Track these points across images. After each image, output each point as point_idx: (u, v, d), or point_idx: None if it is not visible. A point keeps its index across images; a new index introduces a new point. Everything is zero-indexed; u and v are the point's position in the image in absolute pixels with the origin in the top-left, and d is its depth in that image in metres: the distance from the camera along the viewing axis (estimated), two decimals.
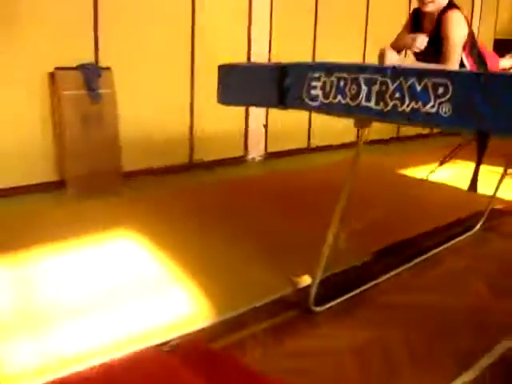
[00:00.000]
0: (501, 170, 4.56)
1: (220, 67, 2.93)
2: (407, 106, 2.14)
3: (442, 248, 4.08)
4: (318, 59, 7.48)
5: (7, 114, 5.03)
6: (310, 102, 2.41)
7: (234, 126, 6.59)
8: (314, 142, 7.72)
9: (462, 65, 2.86)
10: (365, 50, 8.20)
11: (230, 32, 6.56)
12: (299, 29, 7.35)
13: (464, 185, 3.87)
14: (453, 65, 2.78)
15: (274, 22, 6.97)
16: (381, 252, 3.85)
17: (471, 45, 2.92)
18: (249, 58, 6.71)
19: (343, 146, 7.61)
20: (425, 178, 3.40)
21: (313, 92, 2.40)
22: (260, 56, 6.75)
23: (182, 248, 3.81)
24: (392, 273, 3.57)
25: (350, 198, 2.82)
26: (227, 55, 6.21)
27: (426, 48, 2.88)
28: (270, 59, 6.88)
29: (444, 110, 2.05)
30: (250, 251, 3.80)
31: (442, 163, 3.47)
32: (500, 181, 4.53)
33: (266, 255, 3.71)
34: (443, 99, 2.05)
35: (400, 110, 2.16)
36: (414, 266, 3.75)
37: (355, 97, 2.27)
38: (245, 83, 2.77)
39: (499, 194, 4.68)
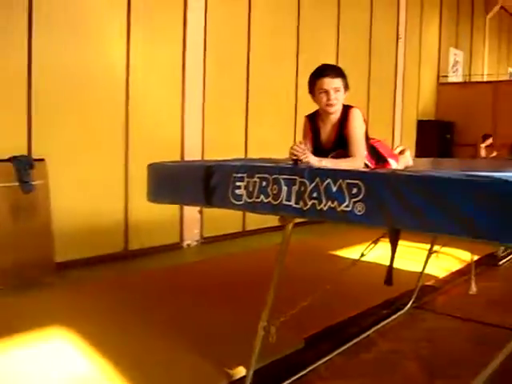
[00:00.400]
0: (426, 246, 4.76)
1: (149, 166, 3.03)
2: (324, 205, 2.28)
3: (373, 330, 4.17)
4: (251, 137, 7.79)
5: None
6: (235, 202, 2.53)
7: (169, 212, 6.66)
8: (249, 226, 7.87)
9: None
10: (295, 128, 8.52)
11: (164, 118, 6.77)
12: (231, 108, 7.66)
13: (396, 264, 3.99)
14: (361, 158, 2.96)
15: (206, 104, 7.26)
16: (313, 338, 3.90)
17: (366, 138, 3.15)
18: (182, 146, 6.91)
19: (279, 227, 7.74)
20: (356, 259, 3.52)
21: (237, 191, 2.52)
22: (192, 138, 7.00)
23: (114, 342, 3.75)
24: (325, 359, 3.62)
25: (282, 283, 2.89)
26: (161, 142, 6.47)
27: (333, 144, 3.05)
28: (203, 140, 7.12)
29: (358, 208, 2.19)
30: (183, 342, 3.77)
31: (374, 242, 3.60)
32: (428, 257, 4.72)
33: (200, 346, 3.69)
34: (357, 199, 2.19)
35: (318, 208, 2.30)
36: (346, 350, 3.82)
37: (277, 196, 2.40)
38: (173, 182, 2.87)
39: (428, 271, 4.87)
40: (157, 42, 6.67)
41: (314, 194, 2.30)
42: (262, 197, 2.46)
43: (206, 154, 7.11)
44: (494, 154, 10.76)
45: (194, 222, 7.12)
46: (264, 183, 2.44)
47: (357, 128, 3.00)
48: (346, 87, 3.07)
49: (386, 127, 11.48)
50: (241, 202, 2.52)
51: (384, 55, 11.18)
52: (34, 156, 5.47)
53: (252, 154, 7.35)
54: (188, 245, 7.12)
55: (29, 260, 5.27)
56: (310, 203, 2.32)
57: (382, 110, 11.06)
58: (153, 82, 6.63)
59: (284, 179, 2.38)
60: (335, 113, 3.05)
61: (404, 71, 11.95)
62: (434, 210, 2.01)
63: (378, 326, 4.27)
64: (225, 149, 6.91)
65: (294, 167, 2.49)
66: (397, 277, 3.64)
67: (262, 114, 8.08)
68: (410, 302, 4.72)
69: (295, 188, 2.36)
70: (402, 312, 4.60)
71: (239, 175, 2.51)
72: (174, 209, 6.80)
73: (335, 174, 2.29)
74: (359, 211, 2.19)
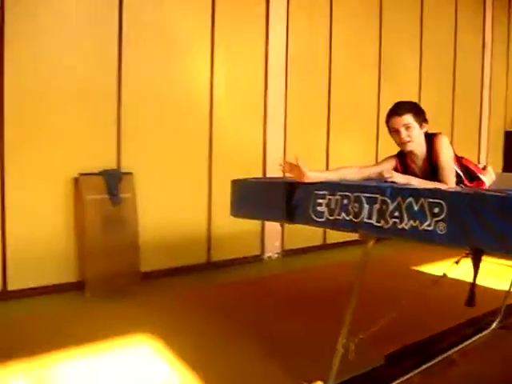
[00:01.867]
0: None
1: (233, 182, 3.12)
2: (406, 224, 2.28)
3: (455, 350, 4.07)
4: (332, 153, 7.79)
5: (32, 216, 5.30)
6: (316, 219, 2.57)
7: (251, 225, 6.76)
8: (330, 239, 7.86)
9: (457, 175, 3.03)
10: (377, 144, 8.46)
11: (247, 134, 6.91)
12: (313, 122, 7.71)
13: (480, 281, 3.89)
14: (452, 184, 2.92)
15: (288, 120, 7.34)
16: (394, 355, 3.86)
17: (457, 159, 3.11)
18: (264, 161, 7.02)
19: (361, 241, 7.68)
20: (438, 277, 3.46)
21: (318, 209, 2.56)
22: (275, 153, 7.09)
23: (195, 351, 3.87)
24: (405, 377, 3.57)
25: (362, 299, 2.90)
26: (244, 158, 6.59)
27: (429, 177, 3.02)
28: (285, 154, 7.21)
29: (440, 228, 2.18)
30: (261, 354, 3.84)
31: (456, 263, 3.53)
32: None
33: (279, 359, 3.74)
34: (438, 218, 2.19)
35: (399, 227, 2.31)
36: (427, 369, 3.75)
37: (358, 214, 2.43)
38: (255, 198, 2.95)
39: None
40: (239, 59, 6.81)
41: (396, 213, 2.31)
42: (343, 214, 2.49)
43: None
44: None
45: (275, 234, 7.19)
46: (345, 201, 2.47)
47: (444, 155, 2.96)
48: (422, 121, 3.06)
49: (472, 139, 11.16)
50: (322, 219, 2.56)
51: (469, 64, 10.89)
52: (123, 170, 5.72)
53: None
54: (269, 257, 7.21)
55: (116, 270, 5.51)
56: (391, 222, 2.33)
57: (467, 121, 10.77)
58: (236, 98, 6.77)
59: (365, 197, 2.40)
60: (415, 149, 3.04)
61: (491, 80, 11.58)
62: None
63: (461, 345, 4.16)
64: (307, 163, 6.94)
65: (376, 185, 2.51)
66: (481, 295, 3.56)
67: (344, 129, 8.07)
68: (496, 322, 4.57)
69: (376, 206, 2.38)
70: (486, 332, 4.46)
71: (321, 192, 2.56)
72: (255, 221, 6.90)
73: (417, 192, 2.29)
74: (441, 231, 2.18)
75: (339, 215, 2.51)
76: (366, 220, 2.40)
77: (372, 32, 8.54)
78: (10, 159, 5.16)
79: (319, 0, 7.71)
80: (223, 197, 6.40)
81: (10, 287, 5.26)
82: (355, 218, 2.44)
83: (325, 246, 7.85)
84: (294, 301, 5.20)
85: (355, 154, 7.95)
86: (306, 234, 7.38)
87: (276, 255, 7.29)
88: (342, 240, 7.80)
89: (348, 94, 8.14)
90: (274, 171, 6.79)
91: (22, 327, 4.48)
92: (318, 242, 7.80)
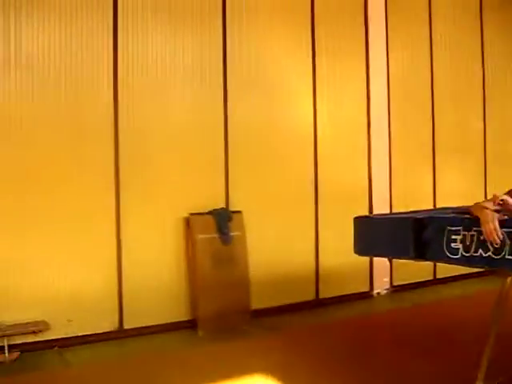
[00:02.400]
0: None
1: (356, 219, 3.06)
2: None
3: None
4: (439, 186, 7.54)
5: (145, 255, 5.45)
6: (451, 256, 2.45)
7: (359, 261, 6.61)
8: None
9: None
10: (485, 170, 8.13)
11: (352, 170, 6.84)
12: (418, 155, 7.52)
13: None
14: None
15: (393, 156, 7.19)
16: None
17: None
18: (370, 197, 6.92)
19: (471, 275, 7.36)
20: None
21: (453, 245, 2.45)
22: (380, 187, 6.97)
23: None
24: None
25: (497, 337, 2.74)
26: (349, 194, 6.52)
27: None
28: (391, 188, 7.06)
29: None
30: None
31: None
32: None
33: None
34: None
35: None
36: None
37: (499, 251, 2.29)
38: (381, 235, 2.87)
39: None
40: (341, 97, 6.78)
41: None
42: (480, 251, 2.36)
43: (394, 205, 7.02)
44: None
45: (384, 270, 7.00)
46: (483, 237, 2.34)
47: None
48: None
49: None
50: (457, 256, 2.44)
51: None
52: (232, 208, 5.79)
53: (442, 200, 7.13)
54: (378, 293, 7.02)
55: (227, 308, 5.53)
56: None
57: None
58: (339, 135, 6.74)
59: (508, 233, 2.26)
60: None
61: None
62: None
63: None
64: (413, 199, 6.84)
65: None
66: None
67: (450, 162, 7.79)
68: None
69: None
70: None
71: (454, 228, 2.44)
72: (363, 257, 6.76)
73: None
74: None
75: (476, 252, 2.38)
76: (508, 256, 2.26)
77: (475, 65, 8.24)
78: (124, 198, 5.37)
79: (419, 33, 7.57)
80: (330, 233, 6.45)
81: (126, 326, 5.41)
82: (495, 255, 2.30)
83: (435, 281, 7.54)
84: (409, 339, 4.99)
85: (461, 187, 7.64)
86: (415, 269, 7.13)
87: (385, 291, 7.09)
88: (453, 274, 7.49)
89: (452, 126, 7.88)
90: (380, 207, 6.71)
91: (138, 366, 4.57)
92: (428, 276, 7.51)
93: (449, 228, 2.47)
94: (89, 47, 5.25)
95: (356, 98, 6.95)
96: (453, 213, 2.77)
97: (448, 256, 2.47)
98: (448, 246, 2.47)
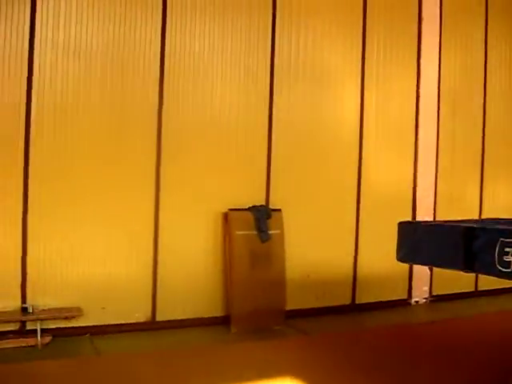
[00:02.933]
0: None
1: (400, 224, 2.94)
2: None
3: None
4: (486, 193, 7.31)
5: (182, 249, 5.43)
6: (502, 269, 2.32)
7: (399, 268, 6.45)
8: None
9: None
10: None
11: (396, 171, 6.68)
12: (466, 168, 7.29)
13: None
14: None
15: (440, 161, 6.99)
16: None
17: None
18: (414, 201, 6.74)
19: None
20: None
21: (505, 258, 2.31)
22: (425, 194, 6.77)
23: None
24: None
25: None
26: (393, 197, 6.37)
27: None
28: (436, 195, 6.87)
29: None
30: None
31: None
32: None
33: None
34: None
35: None
36: None
37: None
38: (427, 243, 2.74)
39: None
40: (390, 96, 6.64)
41: None
42: None
43: (438, 211, 6.82)
44: None
45: (424, 278, 6.81)
46: None
47: None
48: None
49: None
50: (509, 270, 2.30)
51: None
52: (271, 206, 5.71)
53: (487, 212, 6.90)
54: (416, 302, 6.83)
55: (262, 307, 5.45)
56: None
57: None
58: (385, 136, 6.59)
59: None
60: None
61: None
62: None
63: None
64: (458, 208, 6.69)
65: None
66: None
67: (499, 173, 7.52)
68: None
69: None
70: None
71: (508, 240, 2.30)
72: (403, 264, 6.60)
73: None
74: None
75: None
76: None
77: None
78: (164, 191, 5.36)
79: (473, 34, 7.32)
80: (370, 237, 6.29)
81: (158, 318, 5.39)
82: None
83: (477, 293, 7.30)
84: (447, 352, 4.80)
85: (511, 201, 7.39)
86: (456, 279, 6.93)
87: (423, 300, 6.90)
88: (496, 287, 7.24)
89: (504, 131, 7.62)
90: (424, 213, 6.53)
91: (169, 359, 4.52)
92: (470, 288, 7.28)
93: (502, 239, 2.33)
94: (136, 42, 5.29)
95: (404, 100, 6.78)
96: (506, 224, 2.63)
97: (499, 269, 2.33)
98: (500, 258, 2.33)
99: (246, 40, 5.77)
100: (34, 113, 4.90)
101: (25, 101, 4.88)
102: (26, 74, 4.88)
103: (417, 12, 6.77)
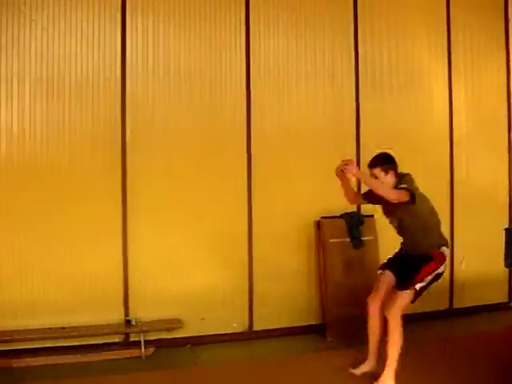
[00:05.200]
0: None
1: (507, 230, 2.83)
2: None
3: None
4: None
5: (274, 258, 5.46)
6: None
7: (497, 269, 6.25)
8: None
9: None
10: None
11: (489, 174, 6.45)
12: None
13: None
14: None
15: None
16: None
17: None
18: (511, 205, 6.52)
19: None
20: None
21: None
22: None
23: None
24: None
25: None
26: (487, 199, 6.16)
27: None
28: None
29: None
30: None
31: None
32: None
33: None
34: None
35: None
36: None
37: None
38: None
39: None
40: (479, 95, 6.42)
41: None
42: None
43: None
44: None
45: None
46: None
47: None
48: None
49: None
50: None
51: None
52: (364, 212, 5.64)
53: None
54: None
55: (357, 314, 5.36)
56: None
57: None
58: (477, 135, 6.37)
59: None
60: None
61: None
62: None
63: None
64: None
65: None
66: None
67: None
68: None
69: None
70: None
71: None
72: (501, 266, 6.38)
73: None
74: None
75: None
76: None
77: None
78: (255, 200, 5.44)
79: None
80: (466, 240, 6.09)
81: (256, 327, 5.46)
82: None
83: None
84: None
85: None
86: None
87: None
88: None
89: None
90: None
91: (267, 368, 4.59)
92: None
93: None
94: (223, 59, 5.40)
95: (495, 99, 6.53)
96: None
97: None
98: None
99: (330, 45, 5.75)
100: (129, 133, 5.08)
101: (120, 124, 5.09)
102: (119, 100, 5.09)
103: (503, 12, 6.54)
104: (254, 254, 5.41)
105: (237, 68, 5.41)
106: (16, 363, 4.60)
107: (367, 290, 5.47)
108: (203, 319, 5.23)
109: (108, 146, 5.04)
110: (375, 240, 5.59)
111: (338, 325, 5.39)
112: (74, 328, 4.86)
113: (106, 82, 5.04)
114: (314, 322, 5.61)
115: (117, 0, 5.05)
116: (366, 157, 5.68)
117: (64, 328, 4.84)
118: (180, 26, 5.25)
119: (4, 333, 4.69)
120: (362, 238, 5.49)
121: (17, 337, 4.70)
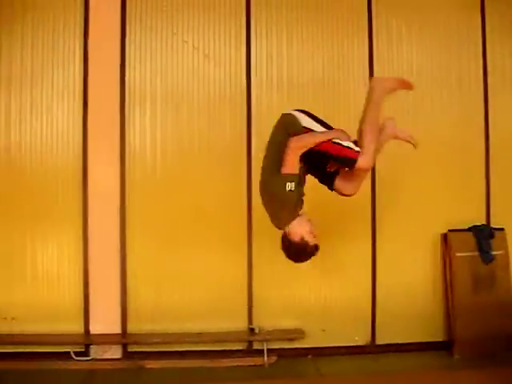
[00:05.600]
0: None
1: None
2: None
3: None
4: None
5: (400, 272, 5.34)
6: None
7: None
8: None
9: None
10: None
11: None
12: None
13: None
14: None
15: None
16: None
17: None
18: None
19: None
20: None
21: None
22: None
23: None
24: None
25: None
26: None
27: None
28: None
29: None
30: None
31: None
32: None
33: None
34: None
35: None
36: None
37: None
38: None
39: None
40: None
41: None
42: None
43: None
44: None
45: None
46: None
47: None
48: None
49: None
50: None
51: None
52: (493, 225, 5.41)
53: None
54: None
55: (487, 332, 5.15)
56: None
57: None
58: None
59: None
60: None
61: None
62: None
63: None
64: None
65: None
66: None
67: None
68: None
69: None
70: None
71: None
72: None
73: None
74: None
75: None
76: None
77: None
78: (381, 218, 5.38)
79: None
80: None
81: (378, 341, 5.37)
82: None
83: None
84: None
85: None
86: None
87: None
88: None
89: None
90: None
91: (395, 382, 4.54)
92: None
93: None
94: (345, 66, 5.43)
95: None
96: None
97: None
98: None
99: (456, 53, 5.58)
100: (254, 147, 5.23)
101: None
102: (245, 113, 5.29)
103: None
104: (378, 268, 5.35)
105: (359, 79, 5.38)
106: (149, 364, 4.90)
107: (497, 307, 5.25)
108: (324, 331, 5.24)
109: (233, 159, 5.23)
110: (506, 254, 5.32)
111: (466, 342, 5.17)
112: (208, 334, 5.07)
113: (232, 96, 5.26)
114: (439, 339, 5.41)
115: (241, 19, 5.26)
116: (497, 165, 5.45)
117: (200, 334, 5.07)
118: (303, 38, 5.35)
119: (133, 336, 5.09)
120: (492, 253, 5.25)
121: (155, 340, 5.05)
